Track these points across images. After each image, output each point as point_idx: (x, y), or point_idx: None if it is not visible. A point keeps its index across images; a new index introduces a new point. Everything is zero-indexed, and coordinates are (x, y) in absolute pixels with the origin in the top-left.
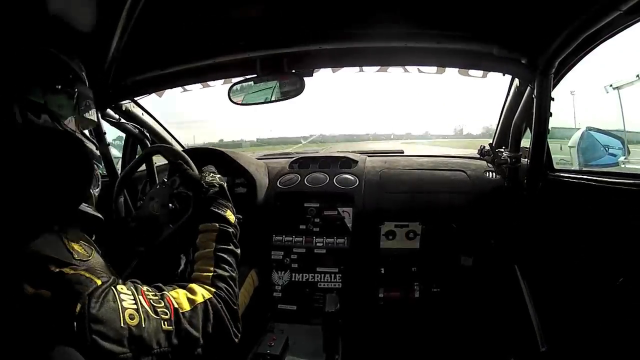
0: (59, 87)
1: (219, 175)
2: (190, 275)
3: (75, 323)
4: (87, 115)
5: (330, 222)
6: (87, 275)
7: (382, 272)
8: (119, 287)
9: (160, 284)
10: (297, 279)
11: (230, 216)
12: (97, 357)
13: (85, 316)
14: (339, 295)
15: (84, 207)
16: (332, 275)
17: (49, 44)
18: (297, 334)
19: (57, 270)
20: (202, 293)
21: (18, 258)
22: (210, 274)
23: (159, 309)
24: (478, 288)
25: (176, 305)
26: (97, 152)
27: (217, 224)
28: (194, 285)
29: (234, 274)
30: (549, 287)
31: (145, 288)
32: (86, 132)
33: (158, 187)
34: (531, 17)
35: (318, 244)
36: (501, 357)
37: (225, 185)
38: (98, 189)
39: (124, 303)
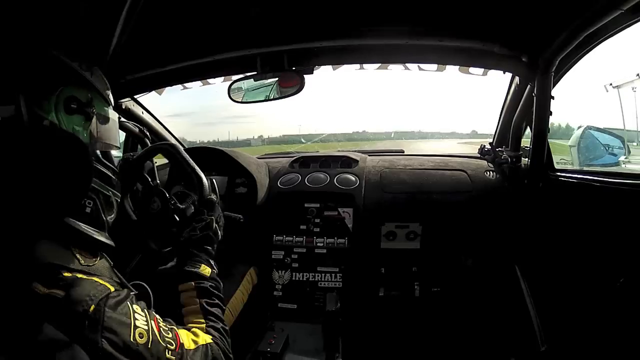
0: (75, 106)
1: (217, 215)
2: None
3: (86, 322)
4: (110, 137)
5: (331, 222)
6: (101, 282)
7: (383, 271)
8: (134, 306)
9: (170, 319)
10: (297, 278)
11: (205, 269)
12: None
13: (98, 319)
14: (339, 295)
15: (94, 233)
16: (333, 275)
17: (74, 56)
18: (298, 332)
19: (70, 274)
20: (204, 337)
21: (27, 263)
22: (204, 325)
23: (166, 338)
24: (478, 288)
25: (182, 341)
26: (114, 178)
27: (192, 283)
28: (197, 330)
29: (225, 326)
30: (549, 287)
31: (157, 317)
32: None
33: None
34: (532, 16)
35: (318, 244)
36: (501, 357)
37: (215, 222)
38: (113, 215)
39: (136, 322)
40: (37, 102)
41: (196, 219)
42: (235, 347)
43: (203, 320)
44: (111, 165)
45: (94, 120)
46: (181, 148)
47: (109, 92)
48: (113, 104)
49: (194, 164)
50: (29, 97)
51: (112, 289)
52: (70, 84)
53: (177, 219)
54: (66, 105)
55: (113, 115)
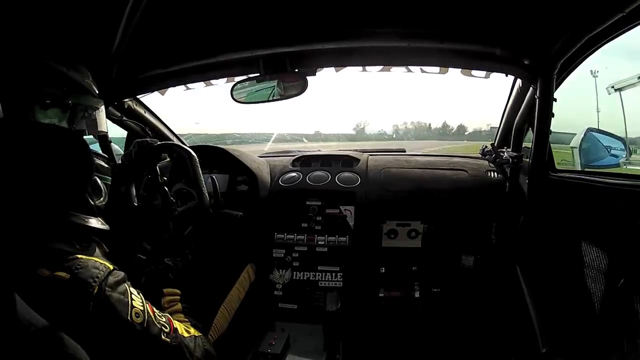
0: (49, 101)
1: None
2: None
3: (91, 304)
4: (93, 124)
5: (332, 220)
6: (101, 261)
7: (383, 271)
8: (131, 288)
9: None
10: (298, 278)
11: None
12: (101, 339)
13: (100, 299)
14: (339, 294)
15: (85, 220)
16: (333, 274)
17: (47, 53)
18: (298, 333)
19: (72, 256)
20: (194, 331)
21: (31, 250)
22: (189, 323)
23: (161, 321)
24: (479, 288)
25: (176, 327)
26: (106, 166)
27: (179, 291)
28: (186, 324)
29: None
30: (550, 287)
31: (150, 304)
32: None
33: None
34: (534, 19)
35: (319, 242)
36: (501, 358)
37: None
38: (103, 200)
39: (133, 302)
40: (17, 102)
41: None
42: (236, 347)
43: (187, 320)
44: (103, 154)
45: (71, 111)
46: (196, 160)
47: (90, 81)
48: (96, 92)
49: (202, 179)
50: (8, 97)
51: (111, 267)
52: (46, 81)
53: (172, 227)
54: (41, 102)
55: (95, 102)
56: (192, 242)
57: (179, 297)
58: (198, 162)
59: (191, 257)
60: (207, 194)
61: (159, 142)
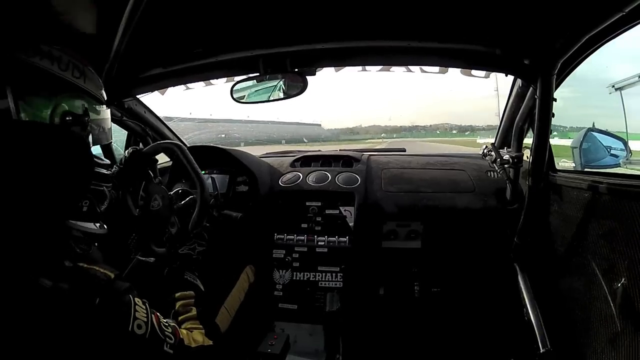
0: (70, 119)
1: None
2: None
3: (92, 314)
4: (105, 136)
5: (332, 220)
6: (102, 270)
7: (383, 271)
8: (136, 299)
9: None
10: (298, 278)
11: (200, 285)
12: (101, 348)
13: (102, 310)
14: (339, 295)
15: (87, 227)
16: (334, 275)
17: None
18: (298, 333)
19: (72, 264)
20: (206, 340)
21: (30, 256)
22: (203, 330)
23: (166, 332)
24: (478, 288)
25: (182, 337)
26: (107, 173)
27: (192, 292)
28: (198, 332)
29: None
30: (549, 287)
31: (159, 314)
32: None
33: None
34: (534, 18)
35: (319, 243)
36: (501, 357)
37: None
38: (106, 204)
39: (136, 314)
40: (35, 111)
41: (197, 234)
42: (235, 347)
43: (201, 326)
44: (106, 162)
45: (89, 127)
46: (187, 150)
47: (102, 91)
48: (106, 100)
49: (197, 166)
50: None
51: (112, 275)
52: (65, 95)
53: (177, 221)
54: (62, 119)
55: (105, 113)
56: (201, 228)
57: (193, 299)
58: (188, 151)
59: (205, 240)
60: (205, 183)
61: (146, 147)
